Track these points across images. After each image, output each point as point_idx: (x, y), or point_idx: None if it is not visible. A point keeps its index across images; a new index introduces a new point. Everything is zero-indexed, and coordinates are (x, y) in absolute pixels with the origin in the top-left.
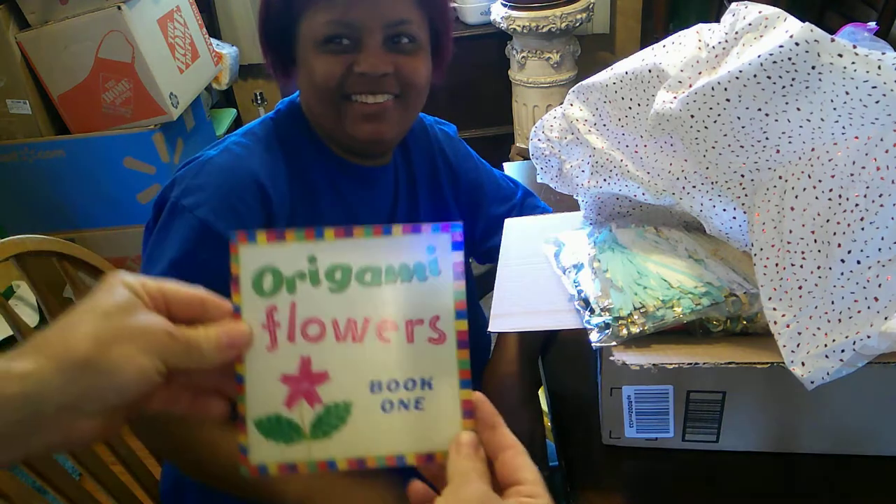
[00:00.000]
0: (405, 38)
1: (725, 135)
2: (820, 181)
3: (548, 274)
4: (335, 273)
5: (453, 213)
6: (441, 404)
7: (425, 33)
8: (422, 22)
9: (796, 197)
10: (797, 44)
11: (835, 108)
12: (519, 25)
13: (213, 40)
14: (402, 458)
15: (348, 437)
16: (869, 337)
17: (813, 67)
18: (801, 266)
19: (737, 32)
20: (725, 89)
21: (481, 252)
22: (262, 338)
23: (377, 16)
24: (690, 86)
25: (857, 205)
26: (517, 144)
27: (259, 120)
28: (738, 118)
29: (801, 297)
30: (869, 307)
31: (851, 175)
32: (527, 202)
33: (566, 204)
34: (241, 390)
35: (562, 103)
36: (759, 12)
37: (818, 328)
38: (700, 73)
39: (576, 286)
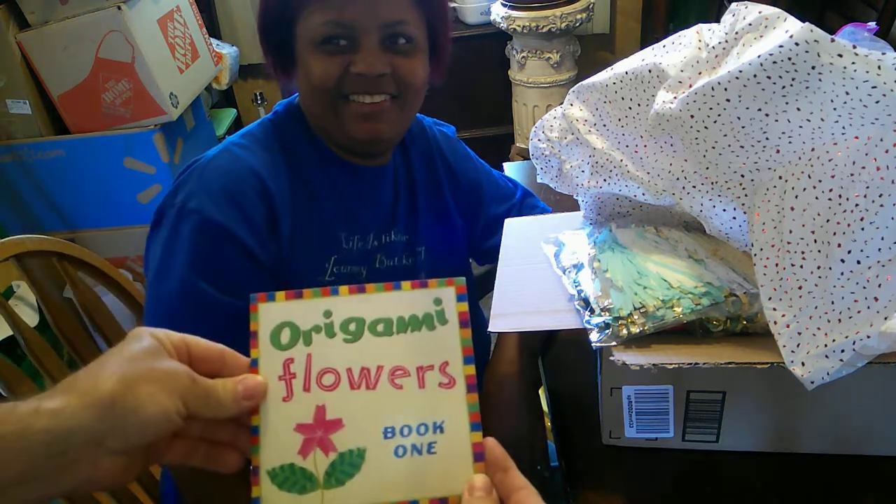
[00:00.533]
0: (402, 38)
1: (725, 135)
2: (820, 181)
3: (548, 274)
4: (349, 325)
5: (453, 214)
6: (453, 448)
7: (423, 33)
8: (419, 22)
9: (796, 197)
10: (797, 44)
11: (835, 108)
12: (519, 25)
13: (213, 40)
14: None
15: (362, 484)
16: (869, 337)
17: (813, 67)
18: (801, 266)
19: (737, 32)
20: (725, 89)
21: (481, 252)
22: (277, 389)
23: (374, 16)
24: (690, 86)
25: (857, 205)
26: (517, 144)
27: (257, 122)
28: (738, 118)
29: (801, 297)
30: (869, 307)
31: (851, 175)
32: (526, 202)
33: (566, 204)
34: (256, 441)
35: (562, 103)
36: (759, 12)
37: (818, 328)
38: (700, 73)
39: (576, 286)
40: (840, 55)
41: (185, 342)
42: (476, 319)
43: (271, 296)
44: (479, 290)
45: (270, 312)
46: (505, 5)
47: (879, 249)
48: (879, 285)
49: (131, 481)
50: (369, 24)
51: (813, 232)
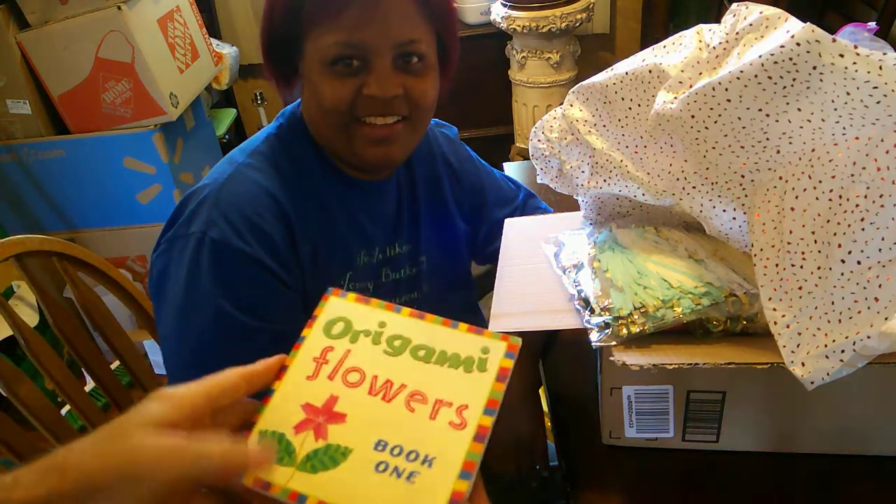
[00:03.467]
0: (415, 57)
1: (726, 135)
2: (820, 181)
3: (548, 274)
4: (395, 341)
5: (454, 217)
6: (432, 487)
7: (433, 49)
8: (430, 39)
9: (796, 197)
10: (798, 44)
11: (835, 109)
12: (519, 25)
13: (213, 40)
14: None
15: (331, 481)
16: (869, 337)
17: (814, 68)
18: (802, 266)
19: (737, 33)
20: (726, 89)
21: (484, 255)
22: (307, 367)
23: (386, 36)
24: (691, 86)
25: (857, 205)
26: (517, 144)
27: (262, 137)
28: (739, 118)
29: (801, 297)
30: (869, 307)
31: (852, 175)
32: (529, 204)
33: (566, 204)
34: (266, 402)
35: (562, 103)
36: (760, 12)
37: (818, 328)
38: (700, 73)
39: (576, 286)
40: (841, 55)
41: (207, 394)
42: (476, 319)
43: (344, 293)
44: (479, 290)
45: (336, 306)
46: (505, 5)
47: (880, 250)
48: (880, 286)
49: None
50: (381, 45)
51: (813, 232)
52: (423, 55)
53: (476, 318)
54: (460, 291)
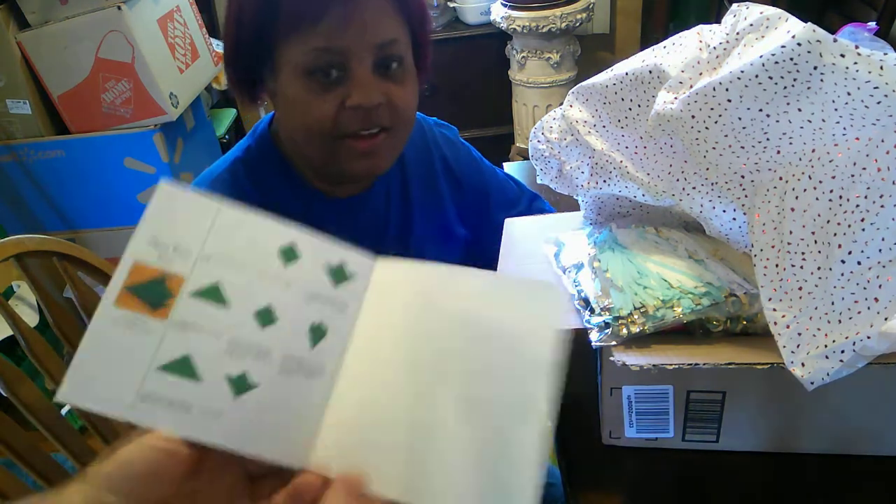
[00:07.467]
0: (394, 61)
1: (726, 135)
2: (820, 182)
3: (548, 274)
4: None
5: (451, 223)
6: None
7: (410, 49)
8: (407, 40)
9: (796, 198)
10: (799, 44)
11: (836, 109)
12: (519, 25)
13: (212, 40)
14: None
15: None
16: (869, 338)
17: (815, 68)
18: (802, 267)
19: (738, 33)
20: (727, 90)
21: (485, 258)
22: None
23: (366, 39)
24: (691, 86)
25: (857, 206)
26: (517, 144)
27: (229, 160)
28: (739, 119)
29: (801, 297)
30: (869, 308)
31: (852, 176)
32: (534, 206)
33: (566, 204)
34: None
35: (562, 104)
36: (761, 13)
37: (818, 329)
38: (701, 73)
39: (576, 286)
40: (842, 55)
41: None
42: None
43: None
44: None
45: None
46: (505, 5)
47: (880, 250)
48: (880, 286)
49: None
50: (361, 49)
51: (813, 233)
52: (402, 57)
53: None
54: None
